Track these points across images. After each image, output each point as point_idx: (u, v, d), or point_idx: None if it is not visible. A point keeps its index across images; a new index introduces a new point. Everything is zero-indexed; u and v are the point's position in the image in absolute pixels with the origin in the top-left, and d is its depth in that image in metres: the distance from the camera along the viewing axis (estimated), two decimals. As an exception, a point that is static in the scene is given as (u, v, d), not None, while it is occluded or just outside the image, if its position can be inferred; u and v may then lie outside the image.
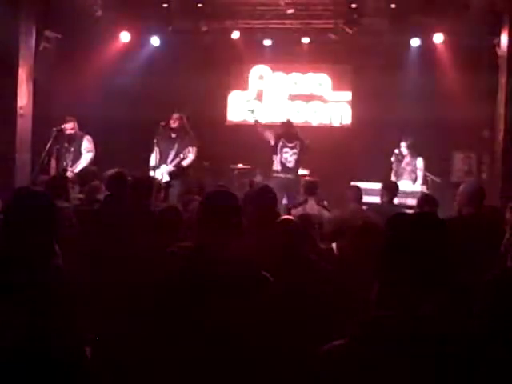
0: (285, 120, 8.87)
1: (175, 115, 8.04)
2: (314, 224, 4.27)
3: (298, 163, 8.42)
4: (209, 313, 2.12)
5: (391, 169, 8.61)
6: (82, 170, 7.32)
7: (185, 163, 7.94)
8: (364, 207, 6.19)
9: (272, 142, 8.46)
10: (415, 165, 8.51)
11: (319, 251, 4.12)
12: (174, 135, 8.01)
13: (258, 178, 8.42)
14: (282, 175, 8.28)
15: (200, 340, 2.11)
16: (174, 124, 7.99)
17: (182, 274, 2.25)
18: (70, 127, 7.80)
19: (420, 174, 8.48)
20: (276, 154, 8.41)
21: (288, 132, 8.49)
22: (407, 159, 8.54)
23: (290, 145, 8.40)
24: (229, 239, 2.27)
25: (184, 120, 8.09)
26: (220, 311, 2.12)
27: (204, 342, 2.11)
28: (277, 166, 8.40)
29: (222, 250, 2.24)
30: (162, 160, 7.98)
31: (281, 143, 8.42)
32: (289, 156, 8.39)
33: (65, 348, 2.07)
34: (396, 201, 6.39)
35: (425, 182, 8.51)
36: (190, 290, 2.17)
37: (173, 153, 7.99)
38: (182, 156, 7.90)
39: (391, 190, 6.29)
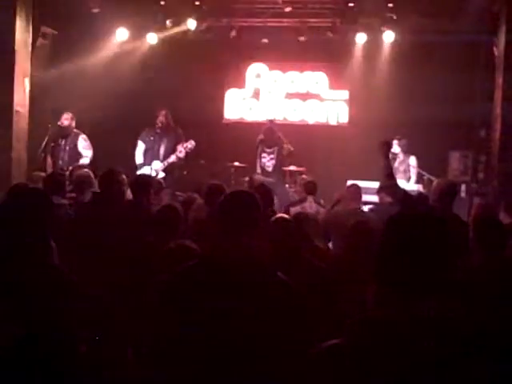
0: (267, 126, 9.05)
1: (163, 112, 8.09)
2: (311, 222, 4.28)
3: (277, 167, 8.76)
4: (221, 312, 2.10)
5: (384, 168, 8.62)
6: (73, 170, 7.27)
7: (181, 155, 7.98)
8: (363, 206, 6.18)
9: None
10: (408, 163, 8.53)
11: (315, 249, 4.13)
12: (159, 131, 8.06)
13: (258, 176, 8.46)
14: (262, 178, 8.49)
15: (211, 340, 2.10)
16: (161, 122, 8.04)
17: (196, 274, 2.23)
18: (65, 118, 7.79)
19: (413, 171, 8.49)
20: (257, 158, 8.82)
21: (269, 138, 8.80)
22: (400, 158, 8.56)
23: (267, 150, 8.80)
24: (248, 240, 2.25)
25: (169, 116, 8.13)
26: (233, 311, 2.10)
27: (215, 343, 2.09)
28: (258, 170, 8.81)
29: (241, 251, 2.21)
30: (153, 157, 7.99)
31: (260, 148, 8.82)
32: (266, 161, 8.81)
33: (60, 346, 2.06)
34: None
35: (421, 180, 8.52)
36: (204, 290, 2.15)
37: (163, 148, 8.01)
38: (178, 151, 7.92)
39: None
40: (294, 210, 5.61)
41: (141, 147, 8.11)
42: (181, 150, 7.91)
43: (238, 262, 2.18)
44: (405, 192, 4.47)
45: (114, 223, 4.06)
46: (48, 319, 2.06)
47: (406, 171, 8.54)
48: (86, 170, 5.83)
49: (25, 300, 2.04)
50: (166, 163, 7.95)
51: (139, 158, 8.08)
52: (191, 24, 9.31)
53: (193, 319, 2.11)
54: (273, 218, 3.65)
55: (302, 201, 6.29)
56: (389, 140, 4.88)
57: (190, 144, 7.94)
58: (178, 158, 7.98)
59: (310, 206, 5.98)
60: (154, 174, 7.78)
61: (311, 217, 4.56)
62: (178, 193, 7.53)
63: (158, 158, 8.01)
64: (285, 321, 2.12)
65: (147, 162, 8.02)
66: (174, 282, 2.25)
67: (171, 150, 7.98)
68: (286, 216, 3.89)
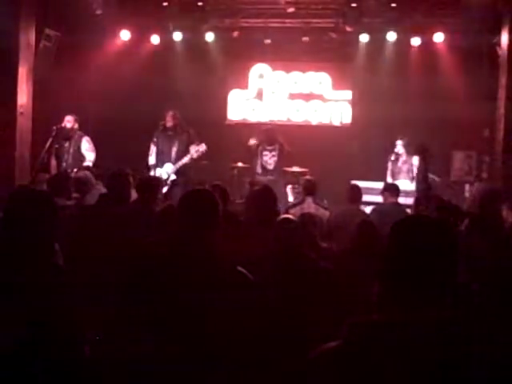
0: (267, 127, 9.14)
1: (170, 113, 8.08)
2: (316, 223, 4.27)
3: (278, 165, 8.75)
4: (184, 309, 2.13)
5: (388, 169, 8.63)
6: (78, 172, 7.27)
7: (195, 156, 7.98)
8: (363, 206, 6.16)
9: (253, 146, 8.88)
10: (411, 163, 8.53)
11: (320, 250, 4.13)
12: (170, 133, 8.06)
13: (258, 178, 8.47)
14: (262, 177, 8.47)
15: (177, 338, 2.12)
16: (169, 122, 8.04)
17: (155, 271, 2.27)
18: (68, 120, 7.80)
19: (416, 170, 8.47)
20: (257, 157, 8.79)
21: (269, 138, 8.82)
22: (403, 158, 8.56)
23: (268, 148, 8.79)
24: (203, 238, 2.29)
25: (178, 117, 8.12)
26: (195, 308, 2.13)
27: (182, 339, 2.11)
28: (258, 169, 8.77)
29: (196, 248, 2.27)
30: (165, 159, 7.99)
31: (261, 147, 8.82)
32: (268, 159, 8.78)
33: (64, 347, 2.06)
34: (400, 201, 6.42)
35: (424, 180, 8.50)
36: (163, 287, 2.19)
37: (174, 150, 8.01)
38: (192, 153, 7.91)
39: (392, 190, 6.29)
40: (292, 212, 5.59)
41: (153, 150, 8.13)
42: (192, 154, 7.91)
43: (197, 258, 2.22)
44: (438, 198, 4.45)
45: (119, 224, 4.06)
46: (52, 321, 2.06)
47: (409, 171, 8.54)
48: (85, 171, 5.84)
49: (29, 301, 2.04)
50: (178, 165, 7.95)
51: (152, 159, 8.11)
52: (209, 37, 9.48)
53: (155, 316, 2.14)
54: (278, 219, 3.65)
55: (300, 202, 6.27)
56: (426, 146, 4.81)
57: (202, 148, 7.93)
58: (191, 160, 7.99)
59: (308, 207, 5.94)
60: (165, 176, 7.82)
61: (317, 217, 4.56)
62: None
63: (169, 160, 8.01)
64: (247, 315, 2.15)
65: (159, 164, 8.03)
66: (137, 280, 2.30)
67: (183, 152, 7.98)
68: (290, 216, 3.89)
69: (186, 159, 7.92)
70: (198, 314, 2.13)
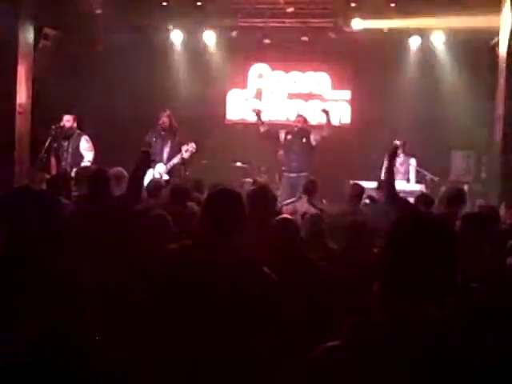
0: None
1: (166, 113, 8.05)
2: (324, 223, 4.26)
3: None
4: (210, 312, 2.12)
5: (386, 168, 8.61)
6: (77, 171, 7.26)
7: (186, 156, 7.93)
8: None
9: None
10: (409, 164, 8.51)
11: (328, 250, 4.13)
12: (163, 133, 8.03)
13: (261, 179, 8.43)
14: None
15: (201, 339, 2.11)
16: (165, 123, 8.01)
17: (181, 273, 2.25)
18: (67, 119, 7.78)
19: (413, 172, 8.46)
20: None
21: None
22: (401, 159, 8.54)
23: None
24: (229, 239, 2.26)
25: (171, 117, 8.09)
26: (221, 310, 2.12)
27: (205, 340, 2.11)
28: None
29: (222, 250, 2.24)
30: (157, 159, 7.96)
31: None
32: None
33: (69, 346, 2.06)
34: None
35: (423, 181, 8.51)
36: (189, 289, 2.17)
37: (166, 150, 7.97)
38: (182, 152, 7.87)
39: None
40: (285, 209, 5.58)
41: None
42: (183, 153, 7.86)
43: (225, 258, 2.21)
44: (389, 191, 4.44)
45: (105, 223, 4.04)
46: (55, 320, 2.06)
47: (406, 172, 8.52)
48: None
49: (30, 302, 2.04)
50: (169, 166, 7.91)
51: None
52: (209, 37, 9.45)
53: (178, 316, 2.13)
54: (276, 219, 3.65)
55: (295, 200, 6.28)
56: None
57: (191, 147, 7.88)
58: (181, 159, 7.94)
59: (300, 205, 5.94)
60: (157, 177, 7.77)
61: (325, 217, 4.55)
62: None
63: (161, 161, 7.98)
64: (270, 317, 2.14)
65: (151, 164, 7.97)
66: (159, 284, 2.28)
67: (175, 152, 7.94)
68: (288, 216, 3.89)
69: (176, 159, 7.88)
70: (228, 316, 2.12)
